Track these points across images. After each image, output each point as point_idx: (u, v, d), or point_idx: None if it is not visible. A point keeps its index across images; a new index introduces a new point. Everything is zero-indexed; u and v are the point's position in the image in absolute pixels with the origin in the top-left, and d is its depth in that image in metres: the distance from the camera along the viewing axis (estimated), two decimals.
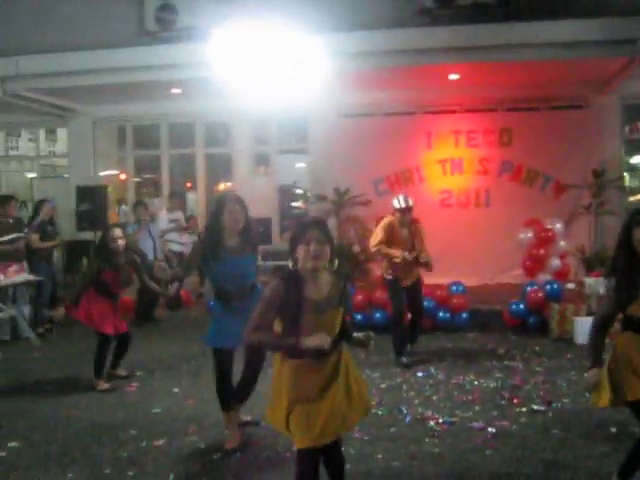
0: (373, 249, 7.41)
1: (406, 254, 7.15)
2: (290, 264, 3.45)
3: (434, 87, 11.22)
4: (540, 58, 9.53)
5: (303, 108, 11.87)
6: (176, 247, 11.18)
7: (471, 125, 11.75)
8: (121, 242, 6.65)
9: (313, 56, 9.50)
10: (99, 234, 10.99)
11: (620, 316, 3.74)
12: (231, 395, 5.12)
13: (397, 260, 7.18)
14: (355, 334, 3.58)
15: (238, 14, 10.49)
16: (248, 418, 5.49)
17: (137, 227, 10.27)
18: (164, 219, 11.11)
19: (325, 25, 9.70)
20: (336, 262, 3.52)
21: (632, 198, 12.10)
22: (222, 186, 18.32)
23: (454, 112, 11.92)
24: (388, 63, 9.93)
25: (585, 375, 3.79)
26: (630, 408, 3.75)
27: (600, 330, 3.76)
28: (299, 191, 17.94)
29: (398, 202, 7.31)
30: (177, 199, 11.50)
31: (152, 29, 11.13)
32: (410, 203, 7.30)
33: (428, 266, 7.27)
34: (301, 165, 17.62)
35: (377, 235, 7.35)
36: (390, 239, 7.26)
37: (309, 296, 3.37)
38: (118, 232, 6.71)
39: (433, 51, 9.68)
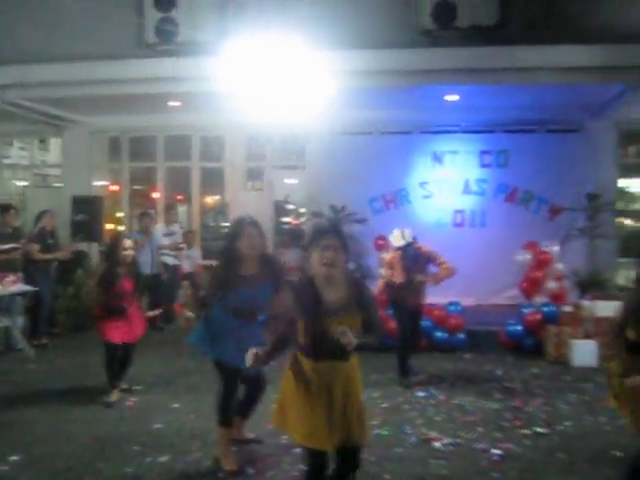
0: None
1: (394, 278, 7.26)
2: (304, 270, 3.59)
3: (432, 107, 11.25)
4: (538, 82, 9.56)
5: (300, 124, 11.88)
6: (170, 260, 11.09)
7: (468, 146, 11.78)
8: (130, 253, 6.62)
9: (314, 73, 9.53)
10: (93, 245, 11.05)
11: None
12: (232, 412, 5.02)
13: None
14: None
15: (240, 29, 10.56)
16: (251, 435, 5.46)
17: (142, 236, 10.13)
18: (160, 232, 11.03)
19: (326, 43, 9.72)
20: (350, 266, 3.63)
21: (626, 221, 12.21)
22: (212, 199, 18.34)
23: (451, 132, 11.97)
24: (388, 83, 9.95)
25: None
26: None
27: None
28: (290, 207, 17.93)
29: (396, 240, 7.32)
30: (173, 212, 11.40)
31: (152, 41, 11.10)
32: (410, 239, 7.28)
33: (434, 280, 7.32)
34: (292, 181, 17.63)
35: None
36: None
37: (324, 299, 3.47)
38: (129, 242, 6.69)
39: (433, 72, 9.71)
